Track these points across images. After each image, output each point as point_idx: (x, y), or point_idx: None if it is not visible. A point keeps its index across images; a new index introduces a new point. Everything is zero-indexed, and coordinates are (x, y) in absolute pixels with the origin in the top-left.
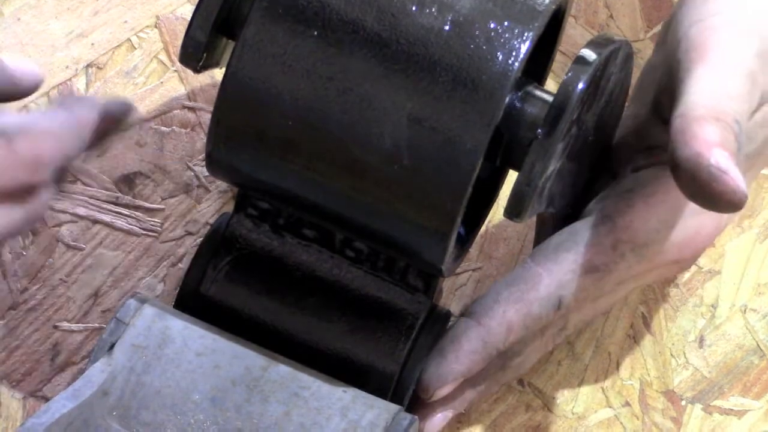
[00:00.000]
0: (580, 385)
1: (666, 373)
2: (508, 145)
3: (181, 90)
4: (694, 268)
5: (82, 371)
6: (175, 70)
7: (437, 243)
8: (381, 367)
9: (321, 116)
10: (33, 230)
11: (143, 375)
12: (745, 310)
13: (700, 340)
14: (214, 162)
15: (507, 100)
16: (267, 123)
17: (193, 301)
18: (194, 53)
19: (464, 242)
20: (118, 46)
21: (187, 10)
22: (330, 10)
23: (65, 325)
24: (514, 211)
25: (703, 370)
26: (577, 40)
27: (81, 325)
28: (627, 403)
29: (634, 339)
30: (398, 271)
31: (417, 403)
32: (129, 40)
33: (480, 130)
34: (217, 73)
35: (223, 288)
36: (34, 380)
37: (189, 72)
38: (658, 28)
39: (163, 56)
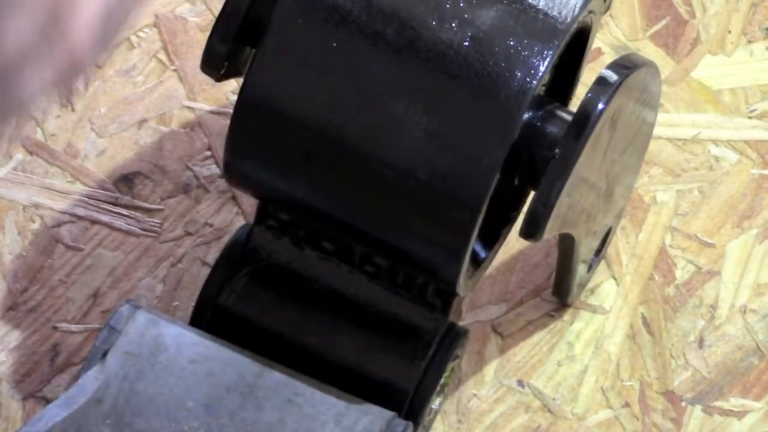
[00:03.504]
0: (580, 385)
1: (666, 374)
2: (526, 164)
3: (180, 89)
4: (693, 268)
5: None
6: (174, 70)
7: (451, 260)
8: (396, 384)
9: (338, 128)
10: (33, 230)
11: (136, 382)
12: (744, 311)
13: (700, 341)
14: (231, 171)
15: (526, 118)
16: (284, 133)
17: (210, 312)
18: (216, 62)
19: (481, 261)
20: (117, 45)
21: (186, 9)
22: (351, 22)
23: (65, 325)
24: (529, 231)
25: (703, 371)
26: None
27: (80, 326)
28: (627, 404)
29: (634, 339)
30: (416, 288)
31: None
32: (128, 39)
33: (496, 147)
34: None
35: (242, 299)
36: (34, 381)
37: (188, 71)
38: (657, 28)
39: (162, 55)
